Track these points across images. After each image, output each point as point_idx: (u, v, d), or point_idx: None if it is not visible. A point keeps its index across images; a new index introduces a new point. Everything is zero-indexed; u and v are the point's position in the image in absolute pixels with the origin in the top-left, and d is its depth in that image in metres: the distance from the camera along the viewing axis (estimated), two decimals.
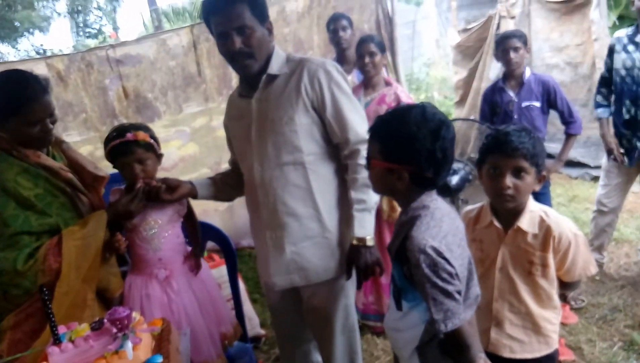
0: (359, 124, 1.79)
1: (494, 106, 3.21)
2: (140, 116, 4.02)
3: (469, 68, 6.18)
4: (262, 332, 3.06)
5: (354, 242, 1.74)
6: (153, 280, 1.95)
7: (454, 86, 6.72)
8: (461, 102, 6.45)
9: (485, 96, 3.33)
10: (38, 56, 11.57)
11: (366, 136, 1.77)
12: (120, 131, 1.90)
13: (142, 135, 1.88)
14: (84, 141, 3.86)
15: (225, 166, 4.16)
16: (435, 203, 1.35)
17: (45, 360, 1.29)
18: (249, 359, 2.50)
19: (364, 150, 1.76)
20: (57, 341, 1.32)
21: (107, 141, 1.90)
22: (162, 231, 1.96)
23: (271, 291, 1.95)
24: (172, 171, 4.04)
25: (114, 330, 1.33)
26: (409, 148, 1.29)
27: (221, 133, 4.24)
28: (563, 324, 2.70)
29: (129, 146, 1.87)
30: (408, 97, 2.85)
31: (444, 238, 1.27)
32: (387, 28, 4.43)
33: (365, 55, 2.81)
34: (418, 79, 9.44)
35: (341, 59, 3.46)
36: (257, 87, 1.80)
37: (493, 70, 5.72)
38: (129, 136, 1.86)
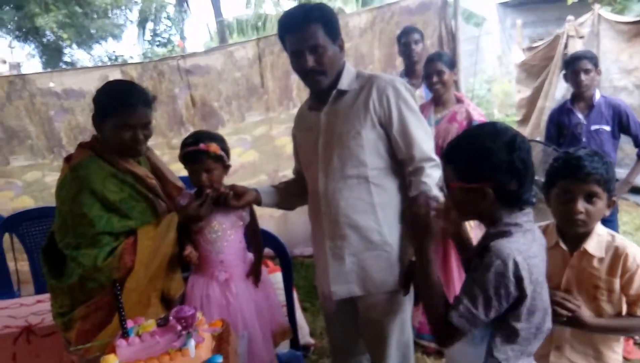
0: (424, 142, 1.79)
1: (561, 128, 3.12)
2: (206, 123, 4.18)
3: (533, 87, 6.03)
4: (312, 341, 3.07)
5: (414, 258, 1.74)
6: (214, 281, 2.01)
7: (516, 104, 6.58)
8: (524, 121, 6.30)
9: (551, 116, 3.24)
10: (110, 63, 12.24)
11: (431, 153, 1.79)
12: (196, 138, 1.98)
13: (214, 147, 1.96)
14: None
15: (282, 173, 4.31)
16: (529, 224, 1.33)
17: (113, 351, 1.36)
18: None
19: (428, 168, 1.76)
20: (125, 334, 1.38)
21: (183, 146, 2.00)
22: (225, 235, 2.03)
23: (328, 301, 1.96)
24: (232, 177, 4.12)
25: (179, 328, 1.38)
26: (487, 162, 1.28)
27: (280, 142, 4.42)
28: (625, 359, 2.57)
29: (200, 155, 1.94)
30: (480, 115, 2.77)
31: (531, 258, 1.25)
32: (450, 44, 4.41)
33: (433, 74, 2.78)
34: (479, 96, 9.30)
35: (410, 72, 3.45)
36: (326, 101, 1.84)
37: (559, 90, 5.56)
38: (202, 146, 1.94)
